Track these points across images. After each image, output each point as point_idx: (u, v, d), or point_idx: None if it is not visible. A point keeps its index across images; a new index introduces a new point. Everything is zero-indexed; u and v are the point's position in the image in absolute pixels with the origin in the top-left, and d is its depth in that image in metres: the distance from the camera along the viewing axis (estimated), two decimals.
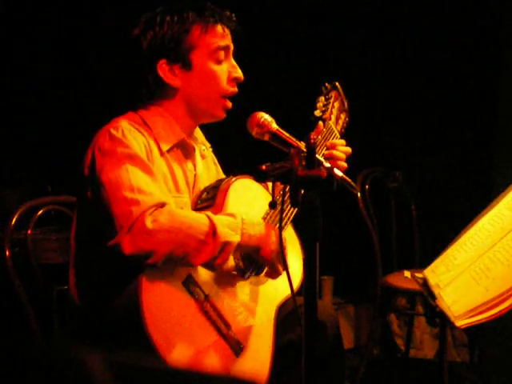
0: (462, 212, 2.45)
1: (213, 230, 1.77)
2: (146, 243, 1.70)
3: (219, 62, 2.00)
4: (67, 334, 2.03)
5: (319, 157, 1.50)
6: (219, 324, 1.86)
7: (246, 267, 1.95)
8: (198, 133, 2.17)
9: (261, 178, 1.51)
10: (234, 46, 2.07)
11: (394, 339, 4.03)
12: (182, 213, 1.84)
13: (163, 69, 1.98)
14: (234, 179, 2.04)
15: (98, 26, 3.71)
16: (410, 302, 3.86)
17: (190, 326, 1.80)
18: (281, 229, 1.64)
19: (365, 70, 4.08)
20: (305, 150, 1.51)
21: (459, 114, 3.85)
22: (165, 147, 1.97)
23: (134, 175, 1.80)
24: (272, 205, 1.62)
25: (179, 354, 1.74)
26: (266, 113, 1.85)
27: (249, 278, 1.97)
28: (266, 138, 1.82)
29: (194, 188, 2.07)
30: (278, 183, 1.55)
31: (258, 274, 1.98)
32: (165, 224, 1.73)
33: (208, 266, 1.80)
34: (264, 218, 2.02)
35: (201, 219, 1.79)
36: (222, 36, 2.01)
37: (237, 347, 1.88)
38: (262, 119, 1.81)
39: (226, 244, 1.78)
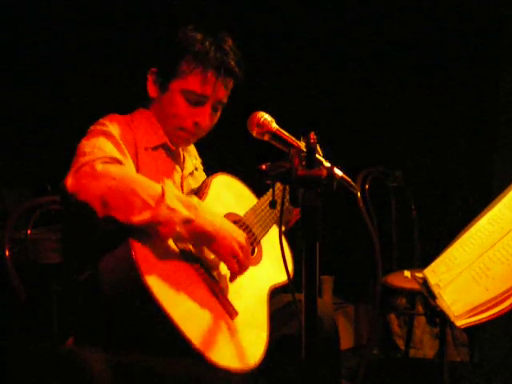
0: (462, 212, 2.46)
1: (161, 195, 1.73)
2: (88, 184, 1.69)
3: (189, 102, 2.02)
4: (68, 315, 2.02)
5: (319, 156, 1.50)
6: (212, 284, 1.86)
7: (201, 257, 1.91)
8: (191, 146, 2.24)
9: (261, 177, 1.51)
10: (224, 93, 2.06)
11: (394, 339, 4.03)
12: (136, 174, 1.82)
13: (151, 77, 2.06)
14: (215, 174, 2.12)
15: (104, 25, 3.72)
16: (410, 301, 3.86)
17: (185, 281, 1.79)
18: (281, 229, 1.64)
19: (365, 70, 4.08)
20: (305, 149, 1.51)
21: (459, 114, 3.85)
22: (147, 145, 2.02)
23: (101, 143, 1.84)
24: (272, 204, 1.62)
25: (180, 307, 1.72)
26: (266, 112, 1.85)
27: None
28: (266, 137, 1.82)
29: (181, 188, 2.10)
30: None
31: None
32: (113, 173, 1.72)
33: (153, 231, 1.73)
34: (252, 210, 2.08)
35: (154, 184, 1.75)
36: (205, 83, 2.00)
37: (231, 310, 1.87)
38: (262, 119, 1.81)
39: (172, 210, 1.72)
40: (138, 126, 2.04)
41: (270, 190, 2.10)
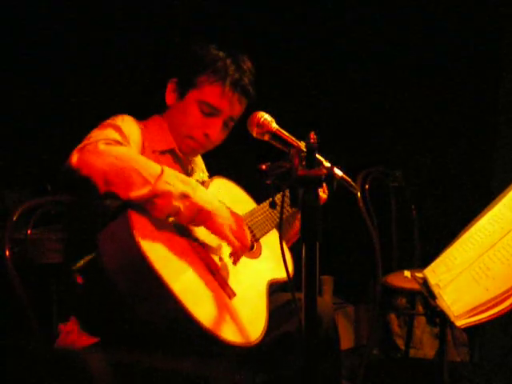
0: (462, 212, 2.45)
1: (160, 174, 1.77)
2: (91, 160, 1.74)
3: (203, 113, 2.11)
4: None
5: (319, 156, 1.50)
6: (209, 262, 1.87)
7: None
8: (199, 159, 2.34)
9: (261, 177, 1.51)
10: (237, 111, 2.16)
11: (394, 339, 4.03)
12: (137, 154, 1.90)
13: (170, 86, 2.17)
14: (212, 177, 2.19)
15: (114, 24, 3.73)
16: (410, 301, 3.86)
17: (183, 254, 1.81)
18: (281, 228, 1.64)
19: (365, 70, 4.08)
20: (305, 149, 1.52)
21: (459, 114, 3.85)
22: (155, 148, 2.10)
23: (108, 132, 1.91)
24: (272, 204, 1.62)
25: (179, 278, 1.73)
26: (266, 112, 1.85)
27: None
28: (266, 137, 1.82)
29: None
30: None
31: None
32: (114, 151, 1.78)
33: (151, 205, 1.76)
34: (252, 211, 2.12)
35: (154, 164, 1.81)
36: (221, 98, 2.11)
37: (229, 290, 1.87)
38: (262, 119, 1.81)
39: (169, 184, 1.77)
40: (149, 129, 2.12)
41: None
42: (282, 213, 1.62)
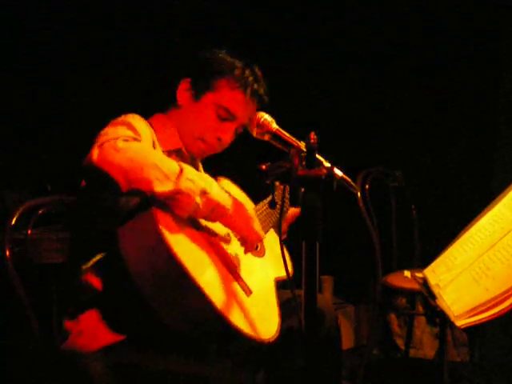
0: (462, 212, 2.45)
1: (180, 170, 1.78)
2: (112, 156, 1.74)
3: (219, 117, 2.13)
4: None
5: (319, 156, 1.50)
6: (227, 260, 1.89)
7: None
8: (200, 168, 2.32)
9: (261, 177, 1.51)
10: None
11: (394, 339, 4.03)
12: (156, 151, 1.91)
13: (183, 85, 2.16)
14: (218, 178, 2.17)
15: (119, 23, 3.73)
16: (410, 301, 3.86)
17: (206, 251, 1.84)
18: (280, 228, 1.64)
19: (365, 70, 4.08)
20: (305, 149, 1.52)
21: (459, 114, 3.85)
22: (162, 148, 2.07)
23: (123, 131, 1.90)
24: (272, 204, 1.62)
25: (204, 273, 1.75)
26: (266, 113, 1.85)
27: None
28: (266, 137, 1.82)
29: None
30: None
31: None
32: (134, 147, 1.79)
33: (174, 203, 1.77)
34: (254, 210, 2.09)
35: (171, 160, 1.82)
36: (239, 104, 2.13)
37: (246, 287, 1.90)
38: (262, 119, 1.81)
39: (191, 181, 1.78)
40: (156, 129, 2.11)
41: (270, 196, 2.15)
42: (281, 212, 1.62)
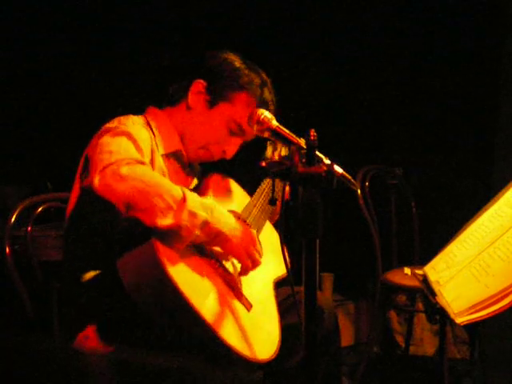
0: (462, 209, 2.45)
1: (182, 198, 1.75)
2: (115, 184, 1.71)
3: (228, 131, 2.08)
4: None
5: (319, 153, 1.50)
6: (227, 278, 1.89)
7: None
8: (198, 169, 2.27)
9: (261, 174, 1.51)
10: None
11: (394, 336, 4.03)
12: (159, 175, 1.85)
13: (197, 86, 2.08)
14: (211, 174, 2.16)
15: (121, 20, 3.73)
16: (410, 298, 3.86)
17: (206, 276, 1.82)
18: (281, 229, 1.63)
19: (365, 69, 4.08)
20: (305, 146, 1.52)
21: (460, 111, 3.85)
22: (162, 152, 2.04)
23: (124, 145, 1.84)
24: (272, 201, 1.62)
25: (205, 302, 1.74)
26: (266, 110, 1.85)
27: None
28: (267, 134, 1.82)
29: None
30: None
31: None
32: (138, 174, 1.74)
33: (174, 234, 1.76)
34: (248, 206, 2.11)
35: (175, 186, 1.78)
36: (252, 121, 2.01)
37: (246, 303, 1.90)
38: (263, 116, 1.81)
39: (193, 215, 1.75)
40: (156, 128, 2.06)
41: (262, 185, 2.15)
42: (282, 210, 1.61)
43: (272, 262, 2.11)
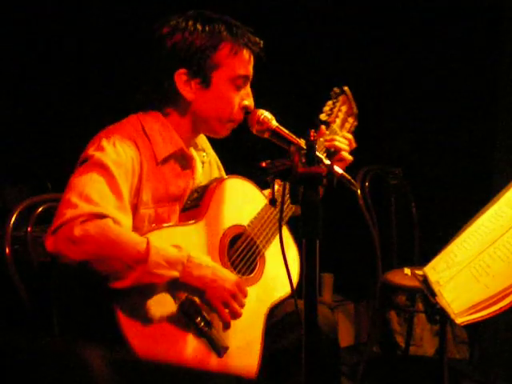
0: (463, 209, 2.45)
1: (144, 258, 1.69)
2: (67, 249, 1.66)
3: (237, 89, 1.96)
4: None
5: (319, 154, 1.50)
6: (199, 323, 1.82)
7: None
8: (199, 138, 2.14)
9: (261, 175, 1.51)
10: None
11: (394, 336, 4.03)
12: (119, 231, 1.73)
13: (181, 79, 1.93)
14: (223, 179, 2.04)
15: (108, 22, 3.71)
16: (410, 299, 3.86)
17: (169, 330, 1.78)
18: (280, 227, 1.62)
19: (365, 69, 4.08)
20: (305, 147, 1.51)
21: (460, 111, 3.84)
22: (160, 156, 1.95)
23: (92, 183, 1.76)
24: (272, 202, 1.61)
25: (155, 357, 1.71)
26: (266, 110, 1.85)
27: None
28: (266, 135, 1.82)
29: None
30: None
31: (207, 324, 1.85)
32: (93, 237, 1.66)
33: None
34: (257, 218, 2.03)
35: (137, 244, 1.71)
36: (247, 63, 1.97)
37: (220, 347, 1.83)
38: (262, 116, 1.81)
39: (154, 276, 1.71)
40: (153, 132, 1.95)
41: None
42: (281, 212, 1.61)
43: (276, 281, 2.03)
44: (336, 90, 2.28)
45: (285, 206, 2.05)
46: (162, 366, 1.72)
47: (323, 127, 2.17)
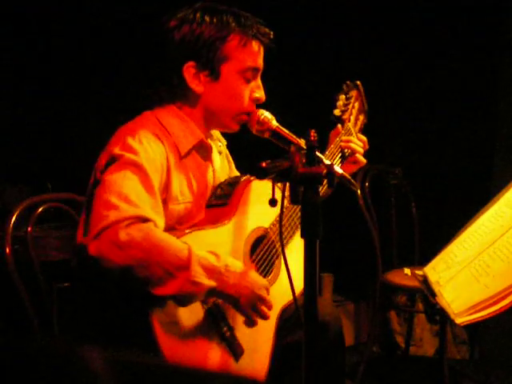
0: (463, 209, 2.45)
1: (186, 265, 1.68)
2: (112, 253, 1.62)
3: (247, 81, 1.94)
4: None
5: (319, 154, 1.50)
6: (223, 327, 1.84)
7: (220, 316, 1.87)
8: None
9: (261, 175, 1.50)
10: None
11: (394, 336, 4.03)
12: (162, 236, 1.72)
13: (189, 72, 1.90)
14: (250, 179, 2.01)
15: (109, 19, 3.71)
16: (410, 299, 3.87)
17: (197, 335, 1.79)
18: (281, 227, 1.62)
19: (365, 68, 4.08)
20: (305, 147, 1.51)
21: (460, 111, 3.85)
22: (184, 150, 1.92)
23: (128, 183, 1.73)
24: (272, 202, 1.61)
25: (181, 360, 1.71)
26: (267, 110, 1.85)
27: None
28: (267, 135, 1.82)
29: (213, 186, 2.05)
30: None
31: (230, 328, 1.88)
32: (138, 242, 1.64)
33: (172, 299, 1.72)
34: (269, 232, 2.03)
35: (179, 250, 1.69)
36: (257, 55, 1.94)
37: (238, 351, 1.86)
38: (262, 116, 1.81)
39: (196, 284, 1.69)
40: (172, 127, 1.92)
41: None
42: (281, 211, 1.61)
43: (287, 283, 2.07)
44: (349, 83, 2.24)
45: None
46: (162, 366, 1.72)
47: (340, 126, 2.16)
